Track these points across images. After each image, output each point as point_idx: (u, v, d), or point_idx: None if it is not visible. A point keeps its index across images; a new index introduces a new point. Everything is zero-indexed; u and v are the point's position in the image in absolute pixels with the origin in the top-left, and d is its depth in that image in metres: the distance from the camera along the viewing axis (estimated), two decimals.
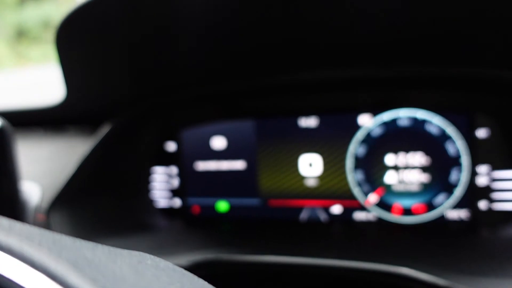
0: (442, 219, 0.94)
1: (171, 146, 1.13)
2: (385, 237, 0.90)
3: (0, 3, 7.20)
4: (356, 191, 0.99)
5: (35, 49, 6.85)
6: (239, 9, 0.66)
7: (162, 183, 1.15)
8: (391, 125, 0.95)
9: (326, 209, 1.02)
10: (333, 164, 1.00)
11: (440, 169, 0.93)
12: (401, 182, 0.96)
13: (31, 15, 6.95)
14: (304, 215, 1.04)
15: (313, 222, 1.03)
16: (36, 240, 0.27)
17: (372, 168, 0.98)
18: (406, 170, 0.95)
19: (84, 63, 0.86)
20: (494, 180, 0.89)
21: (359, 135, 0.97)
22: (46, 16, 6.94)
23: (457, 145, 0.91)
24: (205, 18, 0.69)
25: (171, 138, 1.12)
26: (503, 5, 0.59)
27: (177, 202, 1.14)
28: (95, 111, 1.05)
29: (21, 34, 7.01)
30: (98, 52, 0.82)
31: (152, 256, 0.35)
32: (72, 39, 0.78)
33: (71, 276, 0.23)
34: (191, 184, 1.13)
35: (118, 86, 0.95)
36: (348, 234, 0.93)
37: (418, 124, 0.93)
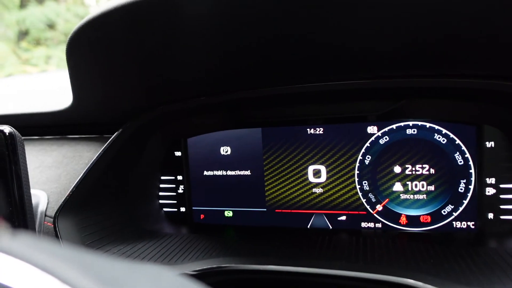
0: (449, 229, 0.94)
1: (177, 154, 1.13)
2: (392, 247, 0.90)
3: (3, 4, 7.21)
4: (364, 200, 0.99)
5: (37, 49, 6.86)
6: (245, 22, 0.67)
7: (168, 190, 1.15)
8: (399, 135, 0.95)
9: (333, 218, 1.02)
10: (341, 173, 1.00)
11: (448, 179, 0.93)
12: (409, 191, 0.96)
13: (34, 15, 6.96)
14: (311, 224, 1.04)
15: (320, 230, 1.03)
16: (61, 256, 0.27)
17: (380, 177, 0.98)
18: (414, 180, 0.95)
19: (93, 73, 0.86)
20: (501, 191, 0.90)
21: (368, 145, 0.98)
22: (49, 16, 6.96)
23: (465, 156, 0.91)
24: (212, 31, 0.70)
25: (178, 147, 1.13)
26: None
27: (183, 210, 1.14)
28: (102, 119, 1.05)
29: (23, 34, 7.02)
30: (107, 63, 0.82)
31: (170, 271, 0.35)
32: (82, 50, 0.79)
33: None
34: (197, 192, 1.13)
35: (126, 96, 0.95)
36: (355, 243, 0.93)
37: (427, 134, 0.93)
